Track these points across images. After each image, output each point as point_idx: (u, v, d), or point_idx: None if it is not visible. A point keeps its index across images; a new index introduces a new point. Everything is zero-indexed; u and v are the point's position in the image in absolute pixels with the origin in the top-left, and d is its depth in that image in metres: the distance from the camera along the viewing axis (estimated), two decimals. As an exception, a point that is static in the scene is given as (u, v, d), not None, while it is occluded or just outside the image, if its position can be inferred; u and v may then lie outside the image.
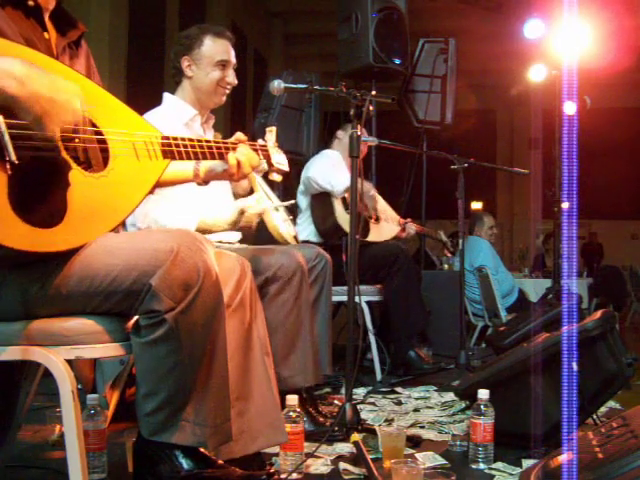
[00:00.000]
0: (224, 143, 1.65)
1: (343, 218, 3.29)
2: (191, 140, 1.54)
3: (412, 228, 3.65)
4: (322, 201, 3.35)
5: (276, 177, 1.88)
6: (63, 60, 1.45)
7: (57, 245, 1.25)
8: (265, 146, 1.81)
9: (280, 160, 1.85)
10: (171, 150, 1.47)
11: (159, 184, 1.66)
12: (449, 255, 4.13)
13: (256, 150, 1.75)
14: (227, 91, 2.29)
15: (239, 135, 1.73)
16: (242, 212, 2.19)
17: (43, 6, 1.43)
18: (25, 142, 1.18)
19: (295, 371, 2.12)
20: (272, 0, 10.29)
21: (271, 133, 1.86)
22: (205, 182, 1.76)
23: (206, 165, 1.72)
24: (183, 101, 2.28)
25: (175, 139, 1.49)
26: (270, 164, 1.81)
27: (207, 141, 1.59)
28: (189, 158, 1.52)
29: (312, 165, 3.43)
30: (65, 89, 1.22)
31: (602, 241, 11.52)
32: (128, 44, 6.05)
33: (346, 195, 3.27)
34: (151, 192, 1.52)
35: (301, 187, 3.46)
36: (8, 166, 1.14)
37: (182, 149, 1.50)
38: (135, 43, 6.14)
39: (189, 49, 2.24)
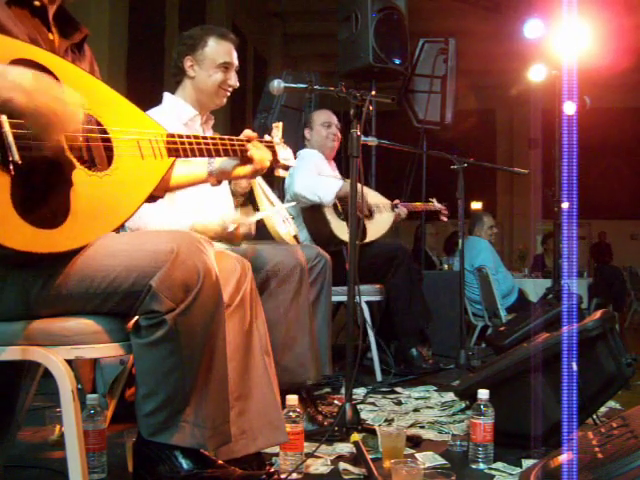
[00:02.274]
0: (230, 140, 1.64)
1: (338, 227, 3.17)
2: (196, 137, 1.53)
3: (403, 210, 3.53)
4: (313, 212, 3.21)
5: (282, 173, 1.88)
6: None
7: (60, 246, 1.24)
8: (271, 142, 1.81)
9: (286, 156, 1.84)
10: (176, 148, 1.47)
11: (173, 187, 1.66)
12: (445, 220, 3.90)
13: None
14: (228, 93, 2.29)
15: (248, 132, 1.73)
16: (226, 228, 2.17)
17: (48, 6, 1.42)
18: (28, 142, 1.18)
19: (295, 366, 2.12)
20: (272, 0, 10.29)
21: (277, 129, 1.85)
22: (219, 182, 1.76)
23: (218, 165, 1.73)
24: (183, 101, 2.28)
25: (180, 137, 1.49)
26: (276, 160, 1.81)
27: (213, 138, 1.59)
28: (194, 155, 1.52)
29: (294, 177, 3.23)
30: (70, 100, 1.22)
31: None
32: (128, 44, 6.04)
33: (337, 201, 3.20)
34: (161, 196, 1.53)
35: (288, 197, 3.29)
36: (11, 167, 1.14)
37: (187, 147, 1.50)
38: (135, 43, 6.14)
39: (192, 49, 2.24)
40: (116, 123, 1.37)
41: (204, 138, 1.56)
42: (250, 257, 1.99)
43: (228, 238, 2.16)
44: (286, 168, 1.86)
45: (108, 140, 1.35)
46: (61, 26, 1.47)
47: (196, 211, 2.17)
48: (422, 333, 3.48)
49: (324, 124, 3.42)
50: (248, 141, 1.69)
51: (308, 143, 3.48)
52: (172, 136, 1.47)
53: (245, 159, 1.70)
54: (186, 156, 1.49)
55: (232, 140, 1.64)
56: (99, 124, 1.34)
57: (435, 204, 3.82)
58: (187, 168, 1.70)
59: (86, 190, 1.28)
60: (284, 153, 1.83)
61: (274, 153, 1.79)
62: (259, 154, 1.70)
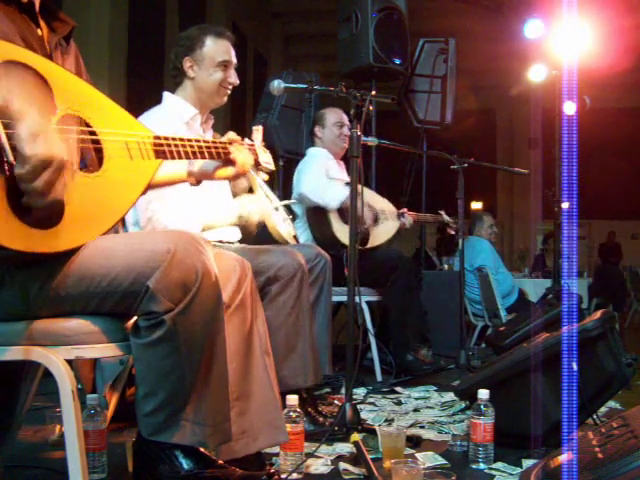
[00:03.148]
0: (214, 142, 1.65)
1: (341, 231, 3.15)
2: (182, 140, 1.54)
3: (409, 219, 3.52)
4: (317, 214, 3.21)
5: (263, 176, 1.91)
6: (56, 56, 1.46)
7: (56, 246, 1.24)
8: (253, 145, 1.83)
9: (267, 159, 1.87)
10: (163, 150, 1.47)
11: (152, 185, 1.66)
12: (453, 233, 3.87)
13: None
14: (229, 91, 2.29)
15: (232, 135, 1.74)
16: (241, 217, 2.20)
17: (35, 1, 1.42)
18: None
19: (295, 371, 2.12)
20: (272, 0, 10.30)
21: (258, 132, 1.88)
22: (198, 182, 1.76)
23: (199, 165, 1.73)
24: (184, 101, 2.28)
25: (167, 139, 1.49)
26: (257, 163, 1.83)
27: (197, 140, 1.60)
28: (180, 158, 1.53)
29: (302, 175, 3.26)
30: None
31: (602, 241, 11.56)
32: (128, 44, 6.05)
33: (342, 206, 3.17)
34: (143, 193, 1.52)
35: (295, 195, 3.30)
36: (6, 167, 1.14)
37: (174, 149, 1.50)
38: (135, 43, 6.15)
39: (190, 50, 2.24)
40: (104, 125, 1.37)
41: (189, 141, 1.56)
42: (250, 261, 2.00)
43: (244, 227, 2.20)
44: (266, 171, 1.88)
45: (98, 142, 1.35)
46: (48, 20, 1.47)
47: (205, 211, 2.18)
48: (422, 334, 3.48)
49: (337, 124, 3.40)
50: (230, 144, 1.70)
51: (319, 141, 3.46)
52: (158, 138, 1.47)
53: (227, 161, 1.71)
54: (172, 158, 1.50)
55: (215, 143, 1.65)
56: (88, 126, 1.34)
57: (444, 216, 3.80)
58: (167, 167, 1.70)
59: (80, 191, 1.28)
60: (264, 157, 1.86)
61: (255, 156, 1.81)
62: (241, 157, 1.71)
